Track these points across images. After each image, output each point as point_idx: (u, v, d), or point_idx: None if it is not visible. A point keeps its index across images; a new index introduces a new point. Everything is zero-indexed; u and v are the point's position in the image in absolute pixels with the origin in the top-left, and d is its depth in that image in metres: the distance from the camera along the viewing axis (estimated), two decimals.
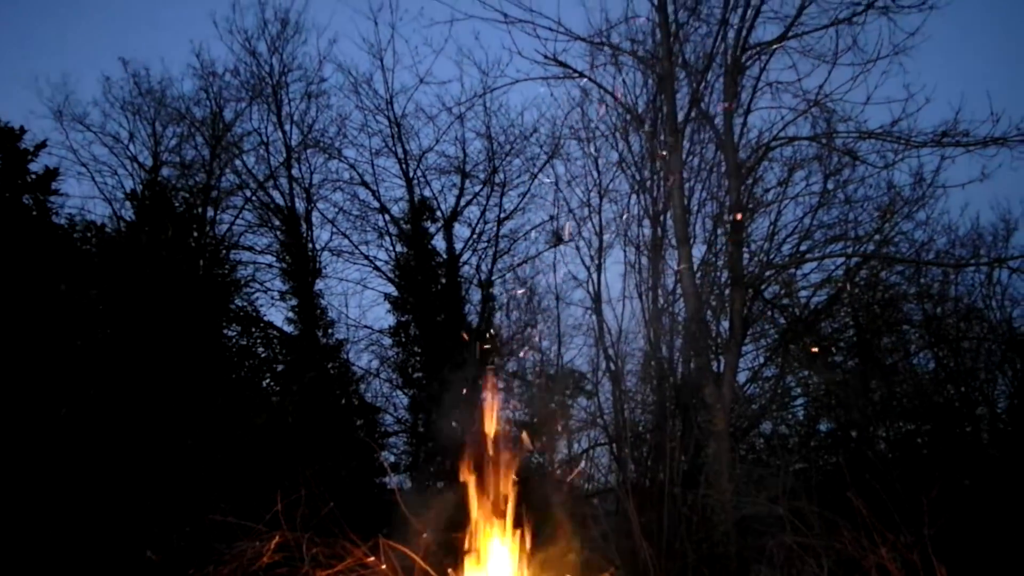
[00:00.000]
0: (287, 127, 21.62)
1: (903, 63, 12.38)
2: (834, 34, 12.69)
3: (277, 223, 21.84)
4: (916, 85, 12.15)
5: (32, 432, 13.94)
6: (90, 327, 16.86)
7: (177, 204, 21.19)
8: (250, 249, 22.31)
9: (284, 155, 21.53)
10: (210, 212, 21.74)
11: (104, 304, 17.36)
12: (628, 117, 14.96)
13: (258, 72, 21.65)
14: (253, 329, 21.34)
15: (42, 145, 18.09)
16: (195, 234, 21.02)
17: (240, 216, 22.11)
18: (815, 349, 16.30)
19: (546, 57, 12.90)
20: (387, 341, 21.64)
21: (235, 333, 21.19)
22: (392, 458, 21.22)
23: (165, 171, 22.12)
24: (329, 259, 22.02)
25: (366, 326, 21.81)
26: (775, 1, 12.95)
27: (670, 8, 13.27)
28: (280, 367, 21.23)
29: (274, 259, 22.12)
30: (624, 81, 15.33)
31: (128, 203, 21.26)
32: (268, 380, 21.11)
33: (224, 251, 21.76)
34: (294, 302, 21.36)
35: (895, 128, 12.54)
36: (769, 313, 16.62)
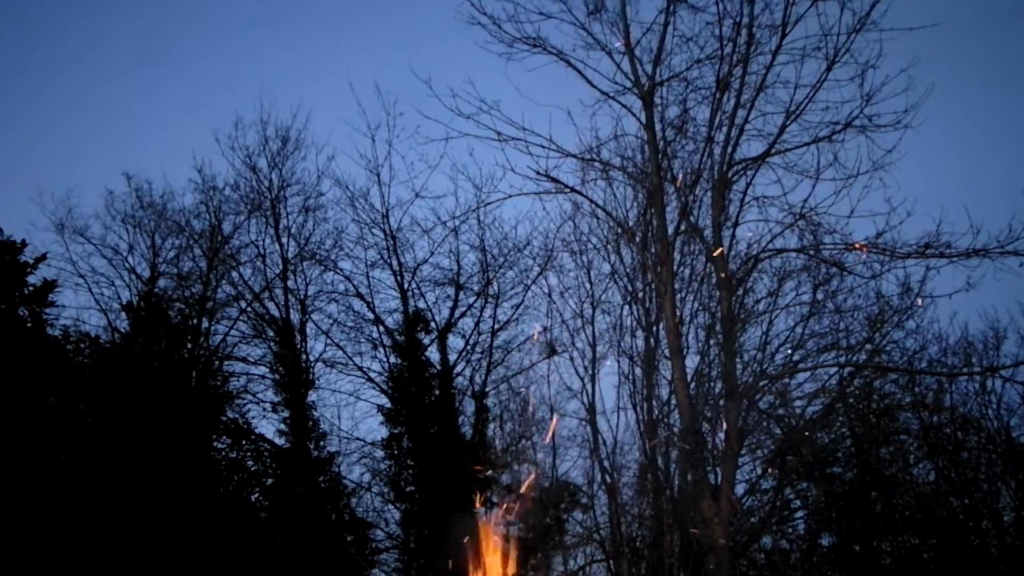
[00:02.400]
0: (284, 240, 22.02)
1: (883, 178, 12.78)
2: (816, 151, 13.18)
3: (271, 334, 21.86)
4: (897, 198, 12.51)
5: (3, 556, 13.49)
6: (77, 441, 16.62)
7: (172, 315, 21.29)
8: (244, 360, 22.25)
9: (280, 267, 21.80)
10: (205, 323, 21.81)
11: (93, 417, 17.18)
12: (619, 230, 15.29)
13: (258, 187, 22.23)
14: (243, 442, 21.01)
15: (42, 258, 18.40)
16: (189, 345, 21.02)
17: (235, 327, 22.18)
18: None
19: (538, 173, 13.29)
20: (379, 454, 21.30)
21: (225, 446, 20.88)
22: None
23: (162, 282, 22.32)
24: (322, 370, 21.94)
25: (358, 438, 21.51)
26: (758, 120, 13.48)
27: (658, 126, 13.80)
28: (270, 481, 20.79)
29: (267, 370, 22.04)
30: (615, 195, 15.77)
31: (123, 314, 21.38)
32: (257, 495, 20.64)
33: (217, 362, 21.69)
34: (286, 414, 21.12)
35: (880, 240, 12.82)
36: (765, 424, 16.49)
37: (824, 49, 12.60)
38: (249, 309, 22.04)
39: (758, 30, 12.98)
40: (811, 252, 13.81)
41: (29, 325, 17.35)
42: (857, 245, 12.85)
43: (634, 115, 13.72)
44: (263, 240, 22.08)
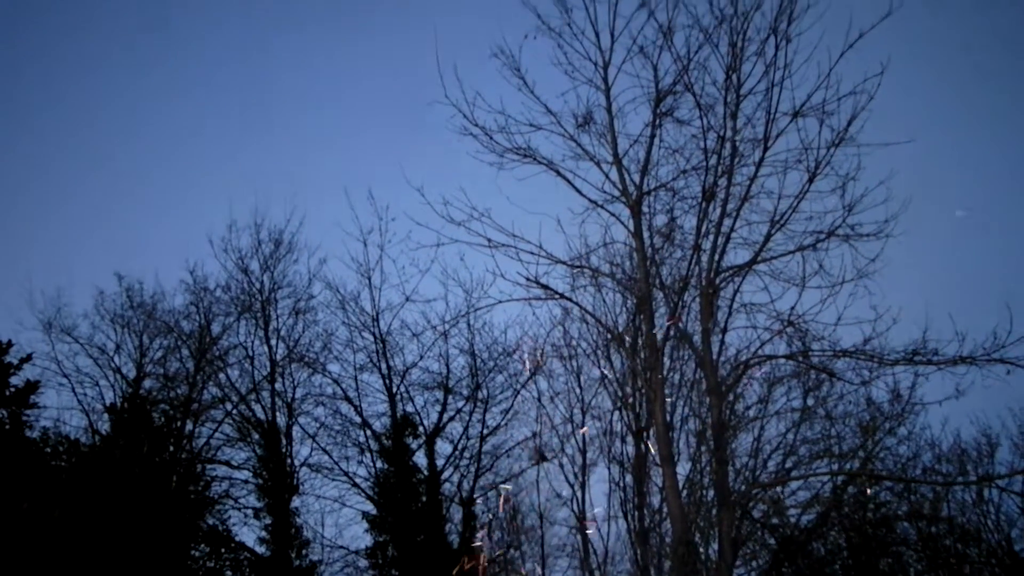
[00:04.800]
0: (273, 342, 21.98)
1: (868, 286, 12.97)
2: (801, 259, 13.40)
3: (256, 437, 21.51)
4: (883, 306, 12.67)
5: None
6: (50, 549, 16.05)
7: (156, 417, 20.97)
8: (227, 464, 21.80)
9: (268, 369, 21.64)
10: (189, 425, 21.47)
11: (69, 523, 16.65)
12: (609, 336, 15.32)
13: (249, 288, 22.36)
14: (223, 550, 20.35)
15: (26, 359, 18.29)
16: (171, 448, 20.61)
17: (219, 430, 21.84)
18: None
19: (528, 279, 13.40)
20: (363, 563, 20.62)
21: (203, 554, 20.21)
22: None
23: (148, 383, 22.10)
24: (307, 475, 21.48)
25: (342, 546, 20.87)
26: (744, 229, 13.73)
27: (646, 234, 14.03)
28: None
29: (251, 475, 21.56)
30: (604, 301, 15.88)
31: (106, 415, 21.03)
32: None
33: (200, 466, 21.24)
34: (268, 520, 20.56)
35: (867, 346, 12.88)
36: (759, 534, 16.10)
37: (805, 162, 13.02)
38: (235, 411, 21.77)
39: (741, 143, 13.44)
40: (800, 359, 13.83)
41: (7, 427, 17.05)
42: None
43: (622, 223, 13.99)
44: (252, 342, 22.07)
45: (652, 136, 13.77)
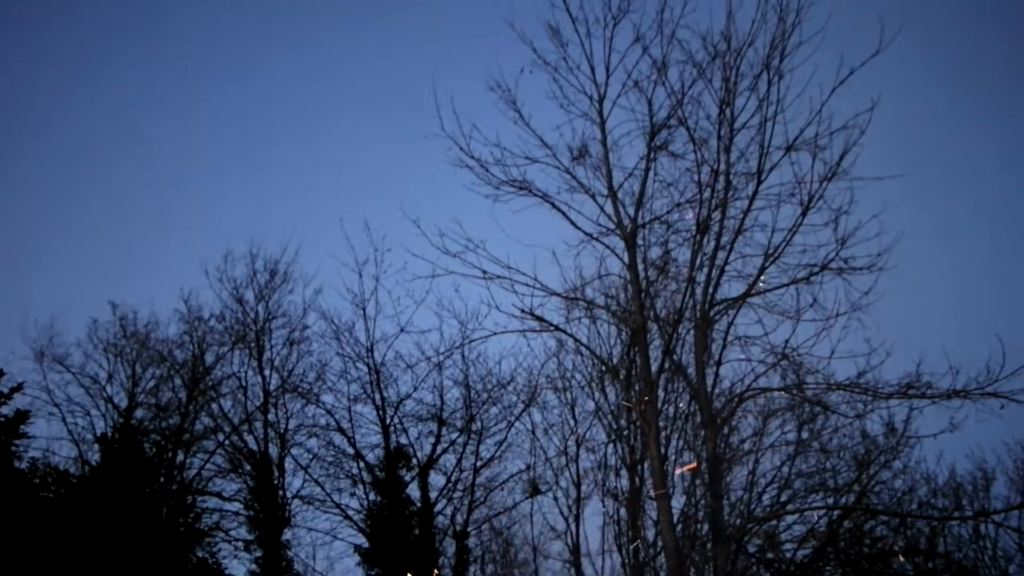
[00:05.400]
0: (267, 372, 21.81)
1: (862, 319, 13.00)
2: (795, 292, 13.44)
3: (248, 468, 21.30)
4: (876, 339, 12.69)
5: None
6: None
7: (147, 447, 20.79)
8: (218, 495, 21.57)
9: (262, 399, 21.49)
10: (180, 456, 21.26)
11: (57, 555, 16.42)
12: (603, 368, 15.31)
13: (243, 318, 22.21)
14: None
15: (17, 388, 18.19)
16: (162, 479, 20.41)
17: (211, 460, 21.62)
18: None
19: (523, 311, 13.39)
20: None
21: None
22: None
23: (139, 413, 21.87)
24: (299, 507, 21.25)
25: None
26: (738, 262, 13.77)
27: (640, 267, 14.07)
28: None
29: (242, 506, 21.33)
30: (599, 333, 15.88)
31: (96, 446, 20.82)
32: None
33: (190, 497, 21.00)
34: (259, 553, 20.30)
35: (862, 380, 12.87)
36: (754, 569, 15.97)
37: (799, 195, 13.09)
38: (227, 442, 21.58)
39: (735, 177, 13.52)
40: (794, 392, 13.81)
41: None
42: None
43: (617, 256, 14.00)
44: (245, 372, 21.91)
45: (647, 169, 13.85)
